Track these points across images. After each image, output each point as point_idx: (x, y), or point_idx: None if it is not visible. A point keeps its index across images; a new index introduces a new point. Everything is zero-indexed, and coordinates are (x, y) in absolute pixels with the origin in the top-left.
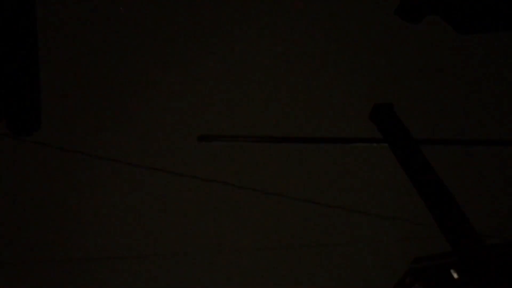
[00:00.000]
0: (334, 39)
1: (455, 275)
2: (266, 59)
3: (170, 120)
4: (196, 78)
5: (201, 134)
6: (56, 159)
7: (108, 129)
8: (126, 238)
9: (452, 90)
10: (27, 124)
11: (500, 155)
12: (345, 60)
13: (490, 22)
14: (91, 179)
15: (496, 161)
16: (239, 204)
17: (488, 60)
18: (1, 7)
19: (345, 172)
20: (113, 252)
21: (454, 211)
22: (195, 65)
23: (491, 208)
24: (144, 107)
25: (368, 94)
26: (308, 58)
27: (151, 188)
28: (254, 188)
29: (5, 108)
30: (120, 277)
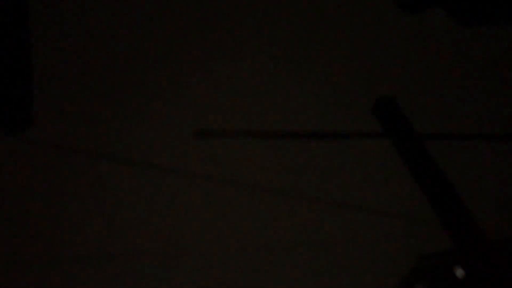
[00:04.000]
0: (334, 31)
1: (459, 273)
2: (266, 54)
3: (165, 114)
4: (192, 71)
5: (197, 129)
6: (49, 157)
7: (102, 125)
8: (120, 236)
9: (459, 83)
10: (18, 121)
11: (505, 150)
12: (345, 53)
13: (494, 15)
14: (83, 177)
15: (501, 156)
16: (237, 202)
17: (494, 53)
18: None
19: (346, 169)
20: (106, 250)
21: (458, 208)
22: (192, 61)
23: (497, 204)
24: (140, 103)
25: (370, 87)
26: (308, 51)
27: (145, 186)
28: (252, 185)
29: None
30: (114, 276)
